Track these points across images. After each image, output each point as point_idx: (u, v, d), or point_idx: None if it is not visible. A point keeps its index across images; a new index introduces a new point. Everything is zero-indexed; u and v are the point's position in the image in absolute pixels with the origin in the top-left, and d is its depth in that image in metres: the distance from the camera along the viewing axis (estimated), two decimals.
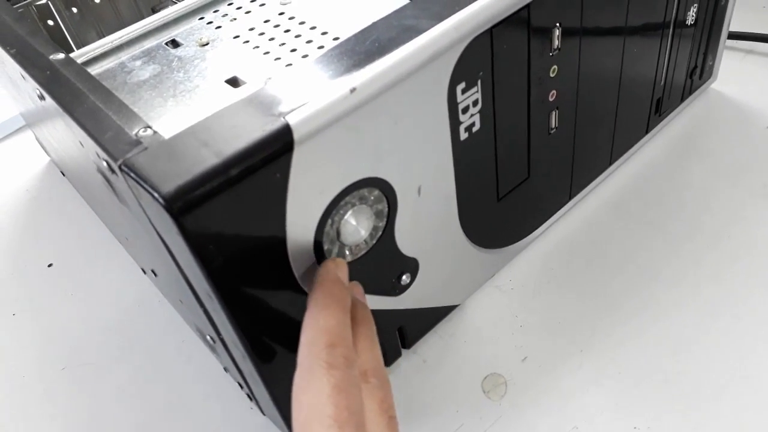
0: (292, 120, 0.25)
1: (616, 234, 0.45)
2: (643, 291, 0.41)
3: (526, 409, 0.36)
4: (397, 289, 0.35)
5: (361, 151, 0.28)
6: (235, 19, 0.40)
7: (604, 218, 0.46)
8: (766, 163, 0.48)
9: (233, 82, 0.34)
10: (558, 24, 0.35)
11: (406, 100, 0.29)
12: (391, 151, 0.30)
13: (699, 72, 0.51)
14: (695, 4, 0.45)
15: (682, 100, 0.51)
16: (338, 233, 0.29)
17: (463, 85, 0.31)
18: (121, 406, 0.41)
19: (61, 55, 0.33)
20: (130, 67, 0.37)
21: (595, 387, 0.37)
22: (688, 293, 0.41)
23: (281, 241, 0.27)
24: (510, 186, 0.39)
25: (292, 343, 0.30)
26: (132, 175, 0.24)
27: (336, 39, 0.36)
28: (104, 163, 0.27)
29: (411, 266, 0.35)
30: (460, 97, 0.32)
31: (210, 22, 0.40)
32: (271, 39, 0.37)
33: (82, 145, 0.30)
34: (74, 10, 0.51)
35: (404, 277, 0.35)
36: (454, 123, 0.32)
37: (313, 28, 0.38)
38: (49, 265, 0.51)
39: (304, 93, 0.26)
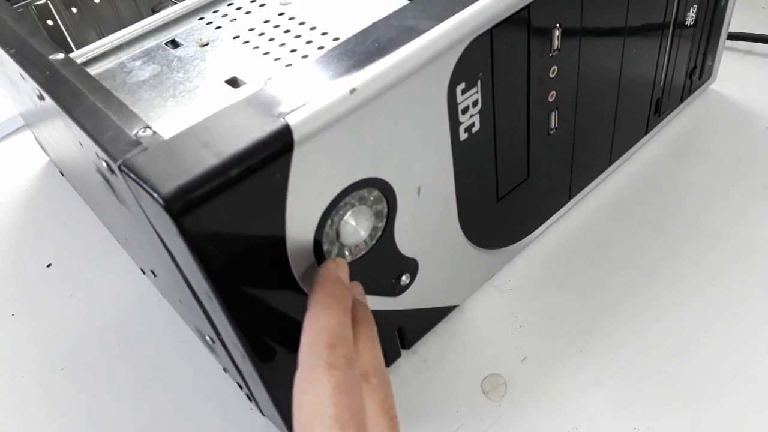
0: (292, 120, 0.25)
1: (616, 234, 0.45)
2: (643, 291, 0.41)
3: (525, 410, 0.36)
4: (397, 290, 0.35)
5: (361, 151, 0.28)
6: (235, 19, 0.40)
7: (603, 218, 0.46)
8: (766, 164, 0.48)
9: (233, 82, 0.34)
10: (558, 24, 0.35)
11: (406, 101, 0.29)
12: (390, 151, 0.30)
13: (698, 72, 0.51)
14: (695, 5, 0.45)
15: (682, 100, 0.51)
16: (338, 234, 0.29)
17: (462, 85, 0.31)
18: (120, 406, 0.41)
19: (61, 55, 0.33)
20: (130, 67, 0.37)
21: (595, 387, 0.37)
22: (688, 293, 0.41)
23: (281, 241, 0.27)
24: (510, 186, 0.39)
25: (291, 343, 0.30)
26: (131, 175, 0.24)
27: (336, 39, 0.36)
28: (104, 164, 0.27)
29: (410, 267, 0.35)
30: (459, 98, 0.32)
31: (210, 23, 0.40)
32: (271, 39, 0.37)
33: (81, 145, 0.30)
34: (74, 10, 0.51)
35: (404, 277, 0.35)
36: (454, 123, 0.32)
37: (313, 28, 0.38)
38: (48, 266, 0.51)
39: (304, 93, 0.26)
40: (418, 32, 0.29)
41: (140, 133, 0.26)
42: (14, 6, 0.48)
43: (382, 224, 0.32)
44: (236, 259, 0.25)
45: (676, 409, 0.35)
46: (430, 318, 0.40)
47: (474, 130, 0.33)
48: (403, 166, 0.31)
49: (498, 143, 0.36)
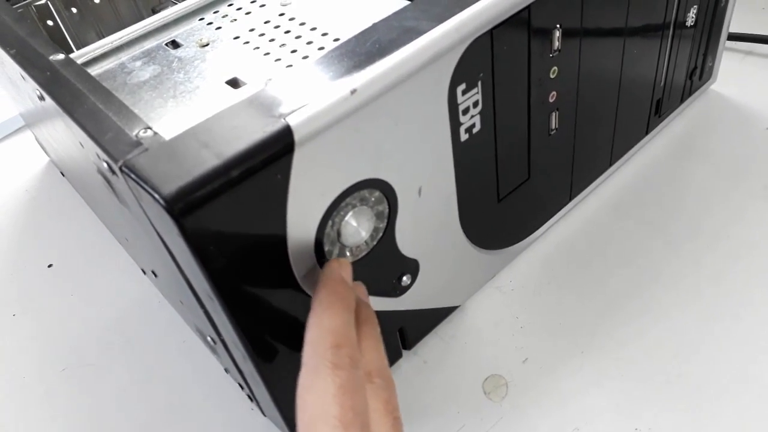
0: (293, 121, 0.25)
1: (617, 235, 0.45)
2: (643, 292, 0.41)
3: (527, 410, 0.36)
4: (398, 290, 0.35)
5: (362, 152, 0.28)
6: (235, 20, 0.40)
7: (604, 219, 0.46)
8: (766, 164, 0.48)
9: (233, 83, 0.34)
10: (558, 25, 0.35)
11: (407, 102, 0.29)
12: (391, 152, 0.30)
13: (699, 73, 0.51)
14: (695, 6, 0.45)
15: (682, 101, 0.51)
16: (339, 234, 0.29)
17: (463, 86, 0.31)
18: (121, 407, 0.41)
19: (61, 56, 0.33)
20: (130, 67, 0.37)
21: (596, 388, 0.37)
22: (689, 294, 0.41)
23: (282, 242, 0.27)
24: (510, 187, 0.39)
25: (293, 343, 0.30)
26: (132, 176, 0.24)
27: (336, 40, 0.36)
28: (104, 164, 0.27)
29: (411, 267, 0.35)
30: (460, 99, 0.32)
31: (210, 23, 0.40)
32: (272, 40, 0.37)
33: (82, 145, 0.30)
34: (74, 10, 0.51)
35: (405, 278, 0.35)
36: (455, 124, 0.32)
37: (313, 29, 0.38)
38: (49, 266, 0.51)
39: (305, 94, 0.26)
40: (419, 33, 0.29)
41: (141, 134, 0.26)
42: (14, 6, 0.48)
43: (383, 225, 0.32)
44: (237, 259, 0.25)
45: (678, 409, 0.35)
46: (431, 319, 0.40)
47: (475, 130, 0.33)
48: (404, 167, 0.31)
49: (499, 144, 0.35)
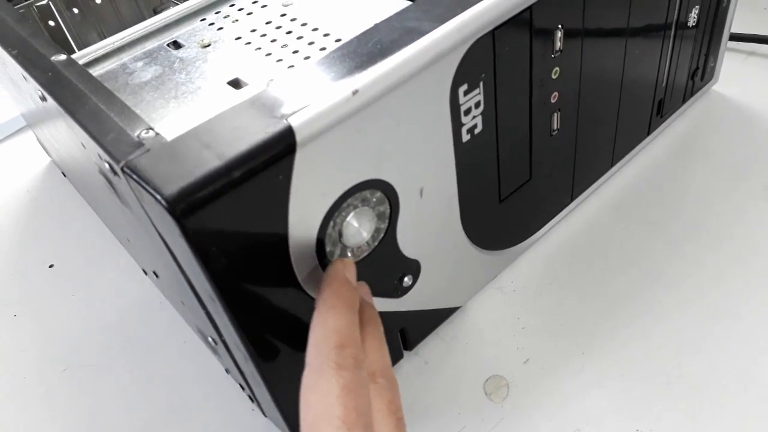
0: (295, 122, 0.25)
1: (618, 235, 0.45)
2: (645, 292, 0.41)
3: (528, 411, 0.36)
4: (399, 291, 0.35)
5: (364, 153, 0.28)
6: (236, 20, 0.40)
7: (605, 220, 0.46)
8: None
9: (235, 83, 0.34)
10: (560, 26, 0.35)
11: (409, 102, 0.29)
12: (393, 153, 0.30)
13: (700, 73, 0.51)
14: (697, 6, 0.45)
15: (684, 101, 0.51)
16: (340, 235, 0.29)
17: (465, 87, 0.31)
18: (122, 407, 0.41)
19: (63, 56, 0.33)
20: (132, 68, 0.37)
21: (597, 389, 0.37)
22: (691, 294, 0.41)
23: (283, 242, 0.27)
24: (512, 187, 0.39)
25: (294, 344, 0.30)
26: (134, 177, 0.24)
27: (338, 41, 0.36)
28: (106, 165, 0.27)
29: (413, 268, 0.35)
30: (462, 99, 0.31)
31: (212, 24, 0.40)
32: (273, 40, 0.37)
33: (83, 146, 0.30)
34: (75, 11, 0.51)
35: (406, 278, 0.35)
36: (456, 125, 0.32)
37: (315, 29, 0.38)
38: (50, 266, 0.51)
39: (307, 95, 0.26)
40: (421, 34, 0.28)
41: (143, 135, 0.26)
42: (16, 7, 0.48)
43: (384, 225, 0.32)
44: (239, 260, 0.25)
45: (679, 410, 0.35)
46: (432, 319, 0.40)
47: (476, 131, 0.33)
48: (406, 168, 0.31)
49: (500, 144, 0.35)
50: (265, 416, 0.38)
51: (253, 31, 0.38)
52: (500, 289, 0.43)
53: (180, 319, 0.45)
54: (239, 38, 0.38)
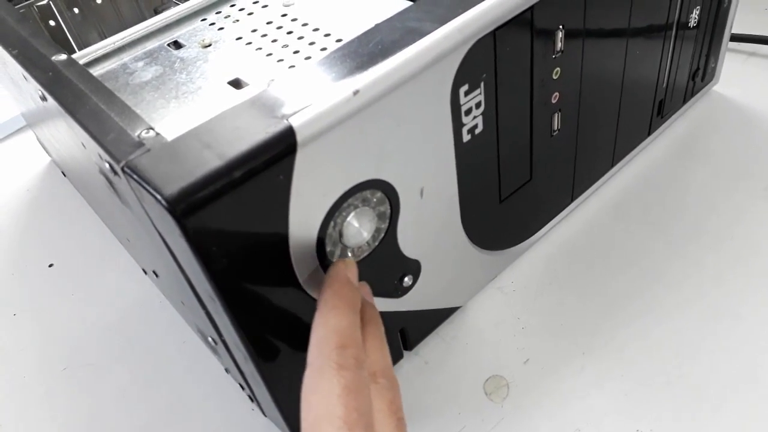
0: (295, 122, 0.25)
1: (619, 236, 0.45)
2: (645, 293, 0.41)
3: (528, 411, 0.36)
4: (400, 291, 0.35)
5: (364, 153, 0.28)
6: (237, 20, 0.40)
7: (606, 220, 0.46)
8: None
9: (236, 83, 0.34)
10: (561, 26, 0.35)
11: (409, 103, 0.29)
12: (393, 153, 0.30)
13: (701, 74, 0.51)
14: (698, 6, 0.45)
15: (685, 102, 0.51)
16: (341, 235, 0.29)
17: (466, 87, 0.31)
18: (121, 407, 0.41)
19: (63, 56, 0.33)
20: (133, 68, 0.37)
21: (597, 389, 0.37)
22: (691, 295, 0.41)
23: (284, 242, 0.27)
24: (512, 188, 0.39)
25: (294, 344, 0.30)
26: (134, 177, 0.24)
27: (339, 41, 0.36)
28: (106, 165, 0.27)
29: (413, 268, 0.35)
30: (463, 99, 0.31)
31: (212, 24, 0.40)
32: (274, 41, 0.37)
33: (84, 146, 0.30)
34: (76, 10, 0.51)
35: (406, 278, 0.35)
36: (457, 125, 0.32)
37: (315, 29, 0.38)
38: (50, 266, 0.51)
39: (307, 95, 0.26)
40: (422, 34, 0.28)
41: (143, 135, 0.26)
42: (16, 6, 0.48)
43: (384, 226, 0.32)
44: (239, 260, 0.25)
45: (679, 410, 0.35)
46: (432, 319, 0.40)
47: (477, 131, 0.33)
48: (406, 168, 0.31)
49: (501, 145, 0.35)
50: (265, 416, 0.38)
51: (254, 31, 0.38)
52: (500, 289, 0.43)
53: (180, 318, 0.44)
54: (240, 38, 0.38)
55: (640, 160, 0.49)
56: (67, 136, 0.35)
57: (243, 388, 0.38)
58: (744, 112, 0.52)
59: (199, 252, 0.24)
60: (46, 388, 0.42)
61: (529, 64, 0.34)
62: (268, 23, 0.39)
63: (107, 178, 0.30)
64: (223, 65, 0.36)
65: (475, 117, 0.33)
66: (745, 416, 0.35)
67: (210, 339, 0.36)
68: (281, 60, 0.36)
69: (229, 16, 0.40)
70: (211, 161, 0.24)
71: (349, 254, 0.31)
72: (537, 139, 0.38)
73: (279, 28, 0.38)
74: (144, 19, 0.41)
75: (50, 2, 0.50)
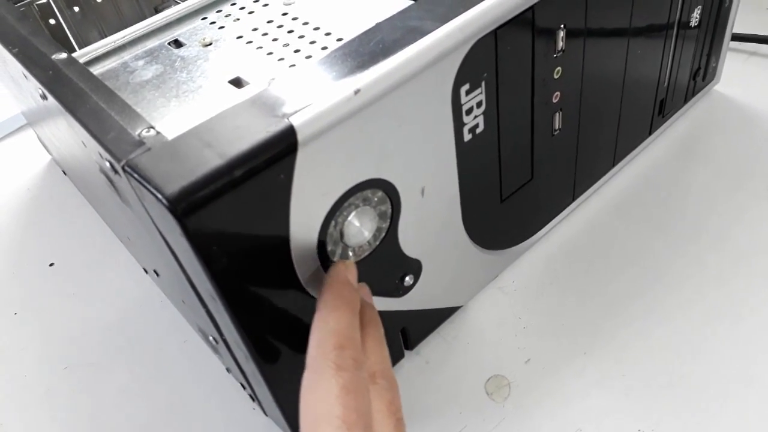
0: (296, 121, 0.25)
1: (620, 235, 0.45)
2: (647, 293, 0.41)
3: (529, 411, 0.36)
4: (401, 291, 0.35)
5: (365, 152, 0.28)
6: (238, 19, 0.40)
7: (607, 220, 0.46)
8: None
9: (236, 82, 0.34)
10: (562, 25, 0.35)
11: (410, 102, 0.29)
12: (394, 152, 0.30)
13: (702, 74, 0.51)
14: (699, 6, 0.45)
15: (686, 101, 0.51)
16: (342, 234, 0.29)
17: (467, 86, 0.31)
18: (122, 406, 0.40)
19: (64, 55, 0.33)
20: (133, 67, 0.37)
21: (598, 389, 0.37)
22: (692, 295, 0.40)
23: (285, 242, 0.27)
24: (513, 187, 0.39)
25: (295, 344, 0.30)
26: (135, 175, 0.24)
27: (340, 40, 0.36)
28: (107, 164, 0.27)
29: (414, 267, 0.35)
30: (464, 99, 0.31)
31: (213, 22, 0.40)
32: (275, 39, 0.37)
33: (84, 145, 0.30)
34: (76, 9, 0.51)
35: (407, 278, 0.35)
36: (458, 124, 0.32)
37: (316, 28, 0.37)
38: (51, 265, 0.51)
39: (308, 94, 0.26)
40: (423, 33, 0.28)
41: (143, 134, 0.26)
42: (16, 5, 0.48)
43: (385, 225, 0.32)
44: (240, 259, 0.25)
45: (681, 410, 0.35)
46: (433, 319, 0.40)
47: (478, 131, 0.33)
48: (407, 167, 0.31)
49: (502, 144, 0.35)
50: (266, 415, 0.38)
51: (255, 29, 0.38)
52: (501, 289, 0.43)
53: (181, 317, 0.44)
54: (240, 37, 0.38)
55: (641, 160, 0.49)
56: (67, 134, 0.35)
57: (244, 387, 0.38)
58: (745, 112, 0.52)
59: (200, 251, 0.24)
60: (47, 388, 0.42)
61: (530, 64, 0.34)
62: (268, 22, 0.39)
63: (108, 177, 0.30)
64: (224, 64, 0.36)
65: (476, 116, 0.33)
66: (746, 416, 0.35)
67: (211, 338, 0.36)
68: (282, 59, 0.35)
69: (229, 14, 0.40)
70: (212, 160, 0.23)
71: (350, 254, 0.30)
72: (538, 139, 0.38)
73: (280, 26, 0.38)
74: (144, 17, 0.41)
75: (50, 1, 0.50)
